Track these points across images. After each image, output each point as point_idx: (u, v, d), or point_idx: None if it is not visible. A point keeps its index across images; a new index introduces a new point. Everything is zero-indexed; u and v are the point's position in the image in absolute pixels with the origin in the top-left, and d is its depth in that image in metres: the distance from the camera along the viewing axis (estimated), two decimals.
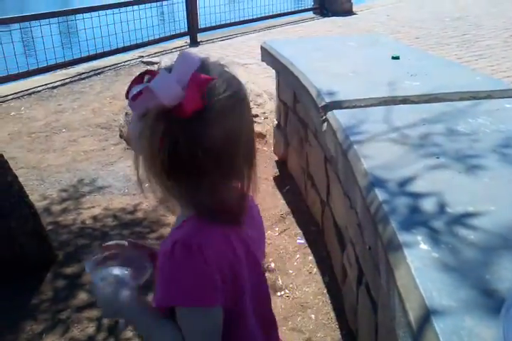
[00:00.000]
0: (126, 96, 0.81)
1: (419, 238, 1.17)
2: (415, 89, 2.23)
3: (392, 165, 1.55)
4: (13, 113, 4.94)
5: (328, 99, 2.18)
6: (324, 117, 2.12)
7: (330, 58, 2.94)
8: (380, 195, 1.39)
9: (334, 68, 2.69)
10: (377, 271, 1.52)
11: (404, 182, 1.45)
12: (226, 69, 0.84)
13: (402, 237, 1.18)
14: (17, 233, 2.30)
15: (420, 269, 1.06)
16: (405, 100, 2.14)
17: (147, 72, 0.82)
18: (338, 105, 2.14)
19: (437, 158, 1.57)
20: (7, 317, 2.16)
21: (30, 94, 5.51)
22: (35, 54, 5.98)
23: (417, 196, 1.38)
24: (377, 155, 1.62)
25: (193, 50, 7.46)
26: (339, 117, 2.00)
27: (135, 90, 0.79)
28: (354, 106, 2.14)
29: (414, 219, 1.27)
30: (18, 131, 4.43)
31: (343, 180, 1.85)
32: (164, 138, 0.76)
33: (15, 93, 5.50)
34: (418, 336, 0.91)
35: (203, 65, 0.80)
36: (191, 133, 0.77)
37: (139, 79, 0.82)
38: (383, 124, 1.90)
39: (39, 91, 5.61)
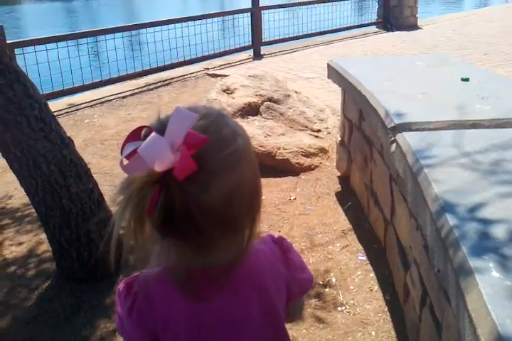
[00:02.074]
0: (121, 153, 0.75)
1: (491, 265, 1.21)
2: (486, 113, 2.24)
3: (462, 191, 1.59)
4: (86, 120, 5.23)
5: (397, 121, 2.22)
6: (393, 138, 2.17)
7: (398, 78, 2.98)
8: (451, 219, 1.43)
9: (402, 89, 2.72)
10: (442, 292, 1.55)
11: (475, 208, 1.48)
12: (226, 123, 0.80)
13: (473, 263, 1.22)
14: (95, 236, 2.47)
15: (492, 296, 1.10)
16: (475, 124, 2.16)
17: (144, 127, 0.77)
18: (407, 127, 2.18)
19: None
20: (86, 315, 2.32)
21: (102, 102, 5.82)
22: (108, 65, 6.31)
23: (487, 222, 1.41)
24: (448, 180, 1.66)
25: (257, 63, 7.63)
26: (409, 139, 2.04)
27: (129, 148, 0.73)
28: (423, 129, 2.17)
29: (485, 246, 1.30)
30: (92, 138, 4.69)
31: (411, 202, 1.89)
32: (158, 196, 0.72)
33: (88, 101, 5.83)
34: None
35: (200, 122, 0.75)
36: (186, 195, 0.73)
37: (135, 135, 0.76)
38: (453, 149, 1.92)
39: (110, 100, 5.91)
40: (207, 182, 0.74)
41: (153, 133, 0.72)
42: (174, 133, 0.72)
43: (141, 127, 0.76)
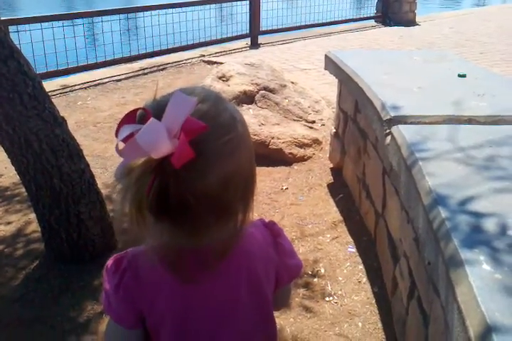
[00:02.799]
0: (116, 135, 0.73)
1: (482, 258, 1.22)
2: (482, 110, 2.25)
3: (456, 185, 1.60)
4: (79, 102, 5.19)
5: (393, 113, 2.22)
6: (388, 131, 2.17)
7: (395, 72, 2.98)
8: (444, 212, 1.43)
9: (399, 82, 2.72)
10: (431, 285, 1.57)
11: (467, 202, 1.49)
12: (224, 108, 0.79)
13: (464, 255, 1.23)
14: (85, 217, 2.45)
15: (482, 288, 1.11)
16: (471, 120, 2.16)
17: (140, 108, 0.75)
18: (402, 120, 2.18)
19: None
20: (72, 296, 2.32)
21: (96, 85, 5.77)
22: (104, 48, 6.24)
23: (480, 216, 1.42)
24: (442, 174, 1.67)
25: (254, 52, 7.59)
26: (404, 132, 2.04)
27: (124, 132, 0.72)
28: (419, 123, 2.17)
29: (477, 239, 1.31)
30: (84, 120, 4.66)
31: (404, 195, 1.90)
32: (153, 184, 0.71)
33: (82, 83, 5.77)
34: None
35: (198, 106, 0.74)
36: (182, 181, 0.72)
37: (130, 117, 0.74)
38: (448, 143, 1.93)
39: (104, 83, 5.86)
40: (204, 169, 0.73)
41: (151, 119, 0.70)
42: (172, 119, 0.70)
43: (136, 109, 0.74)
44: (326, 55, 3.56)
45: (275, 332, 1.02)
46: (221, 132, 0.75)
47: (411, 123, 2.16)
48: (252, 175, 0.84)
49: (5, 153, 2.46)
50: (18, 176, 2.54)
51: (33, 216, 2.76)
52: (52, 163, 2.34)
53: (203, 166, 0.73)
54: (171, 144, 0.69)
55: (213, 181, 0.75)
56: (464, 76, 2.82)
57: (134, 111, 0.74)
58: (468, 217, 1.41)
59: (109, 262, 0.90)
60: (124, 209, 0.72)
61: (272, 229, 0.98)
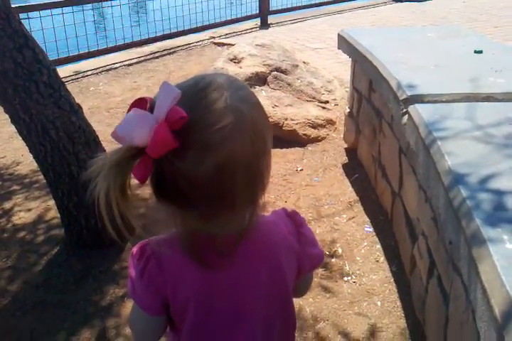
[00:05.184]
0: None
1: (505, 237, 1.21)
2: (500, 87, 2.21)
3: (476, 164, 1.58)
4: (92, 88, 5.19)
5: (409, 92, 2.20)
6: (405, 110, 2.15)
7: (410, 49, 2.93)
8: (464, 191, 1.43)
9: (414, 60, 2.68)
10: (451, 264, 1.57)
11: (488, 181, 1.48)
12: (221, 96, 0.76)
13: (487, 234, 1.23)
14: (96, 211, 2.47)
15: (506, 267, 1.10)
16: (489, 97, 2.13)
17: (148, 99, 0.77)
18: (419, 99, 2.16)
19: None
20: (93, 280, 2.36)
21: (107, 70, 5.75)
22: (114, 32, 6.21)
23: (501, 195, 1.41)
24: (461, 153, 1.65)
25: (264, 33, 7.51)
26: (421, 111, 2.02)
27: (132, 115, 0.73)
28: (435, 101, 2.15)
29: (499, 217, 1.30)
30: (97, 105, 4.67)
31: (422, 174, 1.89)
32: (147, 169, 0.74)
33: (94, 69, 5.76)
34: (503, 329, 0.97)
35: (188, 95, 0.75)
36: (176, 169, 0.74)
37: (141, 102, 0.76)
38: (466, 121, 1.91)
39: (116, 68, 5.84)
40: (190, 159, 0.74)
41: (133, 109, 0.73)
42: (159, 108, 0.72)
43: (144, 99, 0.76)
44: (338, 34, 3.52)
45: (294, 320, 1.04)
46: (209, 122, 0.74)
47: (428, 102, 2.14)
48: (257, 165, 0.80)
49: (21, 141, 2.48)
50: (35, 163, 2.56)
51: (52, 202, 2.79)
52: (70, 150, 2.35)
53: (192, 155, 0.74)
54: (146, 134, 0.70)
55: (204, 170, 0.75)
56: (480, 52, 2.77)
57: (143, 100, 0.76)
58: (490, 195, 1.40)
59: (135, 249, 0.92)
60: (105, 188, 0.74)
61: (294, 219, 0.98)
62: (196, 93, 0.76)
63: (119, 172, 0.73)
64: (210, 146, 0.74)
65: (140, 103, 0.75)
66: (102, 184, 0.73)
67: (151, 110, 0.73)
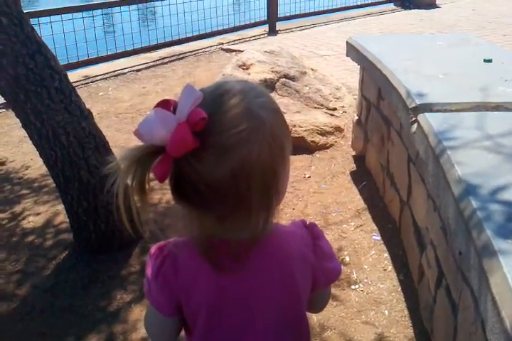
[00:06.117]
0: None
1: None
2: (510, 96, 2.21)
3: (486, 174, 1.58)
4: (101, 93, 5.22)
5: (418, 101, 2.20)
6: (414, 119, 2.15)
7: (419, 57, 2.93)
8: (475, 201, 1.42)
9: (423, 68, 2.69)
10: (460, 274, 1.57)
11: (499, 192, 1.48)
12: (243, 100, 0.79)
13: (498, 245, 1.22)
14: (113, 208, 2.48)
15: None
16: (499, 107, 2.13)
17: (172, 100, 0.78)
18: (428, 107, 2.16)
19: None
20: (101, 285, 2.37)
21: (116, 75, 5.79)
22: (123, 38, 6.24)
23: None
24: (471, 163, 1.65)
25: (272, 39, 7.54)
26: (431, 120, 2.02)
27: (154, 115, 0.75)
28: (445, 110, 2.15)
29: (510, 228, 1.30)
30: (107, 110, 4.69)
31: (431, 184, 1.89)
32: (166, 168, 0.75)
33: (103, 74, 5.80)
34: None
35: (209, 99, 0.77)
36: (193, 169, 0.76)
37: (166, 104, 0.77)
38: (476, 131, 1.91)
39: (125, 73, 5.88)
40: (209, 160, 0.75)
41: (155, 108, 0.75)
42: (180, 109, 0.74)
43: (169, 101, 0.78)
44: (347, 42, 3.53)
45: (308, 332, 1.03)
46: (228, 125, 0.76)
47: (437, 110, 2.14)
48: (274, 171, 0.81)
49: (31, 145, 2.50)
50: (44, 168, 2.58)
51: (61, 207, 2.81)
52: (80, 155, 2.37)
53: (209, 157, 0.75)
54: (167, 133, 0.73)
55: (220, 171, 0.76)
56: (489, 61, 2.77)
57: (168, 101, 0.78)
58: (501, 206, 1.40)
59: (153, 249, 0.93)
60: (124, 185, 0.76)
61: (312, 231, 0.97)
62: (217, 97, 0.79)
63: (140, 167, 0.75)
64: (227, 149, 0.76)
65: (164, 104, 0.77)
66: (123, 178, 0.75)
67: (174, 112, 0.75)
